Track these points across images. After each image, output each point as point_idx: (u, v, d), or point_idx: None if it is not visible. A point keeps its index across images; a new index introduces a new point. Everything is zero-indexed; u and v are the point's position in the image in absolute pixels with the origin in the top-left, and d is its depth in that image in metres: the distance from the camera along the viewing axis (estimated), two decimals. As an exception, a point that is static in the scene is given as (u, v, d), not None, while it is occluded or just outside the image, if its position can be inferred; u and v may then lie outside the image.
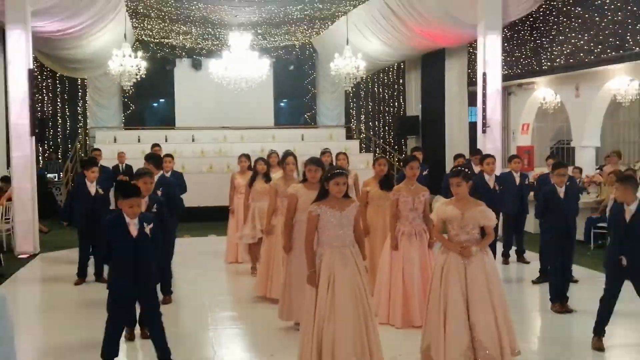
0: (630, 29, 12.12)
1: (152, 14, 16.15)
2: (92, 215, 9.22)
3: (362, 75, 16.95)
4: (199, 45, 19.59)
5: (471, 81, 16.23)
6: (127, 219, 5.51)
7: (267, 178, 9.28)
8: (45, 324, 8.11)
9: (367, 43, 16.76)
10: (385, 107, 21.67)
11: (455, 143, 16.82)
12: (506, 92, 16.34)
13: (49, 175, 17.48)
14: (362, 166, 15.60)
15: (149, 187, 6.74)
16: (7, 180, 12.89)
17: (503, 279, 9.35)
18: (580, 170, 12.54)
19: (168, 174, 9.53)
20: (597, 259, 9.84)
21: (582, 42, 13.54)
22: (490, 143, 13.28)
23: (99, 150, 13.40)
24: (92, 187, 9.42)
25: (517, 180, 10.05)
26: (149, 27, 17.67)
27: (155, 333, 5.79)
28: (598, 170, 13.50)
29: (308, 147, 16.29)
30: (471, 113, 16.84)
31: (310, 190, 6.72)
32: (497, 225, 7.19)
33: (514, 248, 10.64)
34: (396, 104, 21.39)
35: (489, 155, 10.16)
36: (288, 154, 8.39)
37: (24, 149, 11.80)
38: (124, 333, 6.41)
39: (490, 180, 9.45)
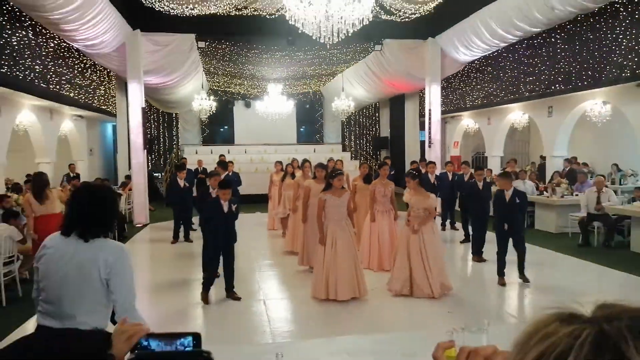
0: (522, 79, 12.05)
1: (219, 72, 16.16)
2: (182, 200, 9.29)
3: (352, 110, 16.94)
4: (249, 92, 19.61)
5: (421, 114, 16.16)
6: (222, 202, 5.58)
7: (292, 176, 9.29)
8: (153, 267, 8.16)
9: (355, 90, 16.75)
10: (366, 130, 21.61)
11: (411, 154, 16.74)
12: (444, 121, 16.27)
13: (155, 174, 17.58)
14: (352, 168, 15.55)
15: (218, 181, 6.76)
16: (129, 177, 12.96)
17: (442, 240, 9.38)
18: (491, 170, 12.48)
19: (230, 174, 9.56)
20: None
21: (491, 89, 13.47)
22: (433, 154, 13.21)
23: (185, 158, 13.46)
24: (182, 182, 9.47)
25: (450, 177, 10.01)
26: (217, 80, 17.68)
27: (228, 272, 5.84)
28: (502, 171, 13.43)
29: (318, 157, 16.22)
30: (421, 135, 16.78)
31: (318, 183, 6.76)
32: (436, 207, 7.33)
33: (448, 221, 10.61)
34: (373, 128, 21.33)
35: (431, 162, 10.24)
36: (305, 160, 8.39)
37: (139, 157, 11.86)
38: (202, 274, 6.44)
39: (432, 178, 9.41)
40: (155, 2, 9.94)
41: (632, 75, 8.82)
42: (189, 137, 20.18)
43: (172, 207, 9.86)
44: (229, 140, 20.69)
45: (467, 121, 16.44)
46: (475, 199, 7.85)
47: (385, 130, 20.33)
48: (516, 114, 13.78)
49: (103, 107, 13.98)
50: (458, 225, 10.18)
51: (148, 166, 14.87)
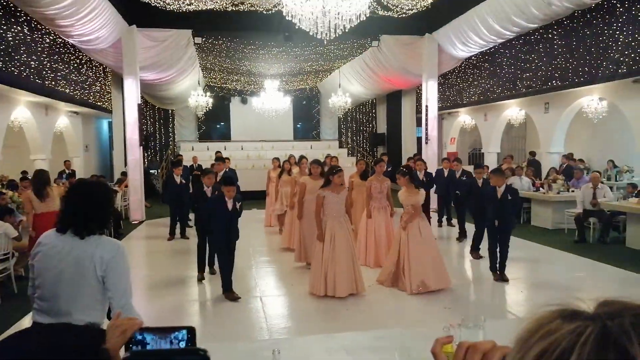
0: (519, 75, 12.05)
1: (216, 68, 16.11)
2: (178, 196, 9.25)
3: (349, 106, 16.90)
4: (246, 88, 19.55)
5: (418, 110, 16.17)
6: (226, 199, 5.54)
7: (289, 173, 9.28)
8: (149, 264, 8.14)
9: (352, 86, 16.72)
10: (363, 127, 21.58)
11: (408, 150, 16.78)
12: (440, 118, 16.28)
13: (151, 170, 17.53)
14: (349, 165, 15.56)
15: (212, 180, 6.67)
16: (125, 174, 12.92)
17: (438, 237, 9.38)
18: (487, 167, 12.48)
19: (227, 170, 9.54)
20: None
21: (488, 85, 13.47)
22: (430, 150, 13.23)
23: (181, 155, 13.42)
24: (178, 179, 9.43)
25: (446, 173, 9.88)
26: (214, 76, 17.62)
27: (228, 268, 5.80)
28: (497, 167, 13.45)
29: (315, 153, 16.21)
30: (418, 131, 16.78)
31: (314, 180, 6.78)
32: (429, 201, 7.64)
33: (445, 217, 10.62)
34: (370, 125, 21.30)
35: (419, 159, 10.16)
36: (302, 157, 8.38)
37: (135, 154, 11.80)
38: (197, 274, 6.43)
39: (420, 175, 9.25)
40: (151, -3, 9.88)
41: (629, 71, 8.83)
42: (185, 133, 20.12)
43: (168, 204, 9.84)
44: (225, 136, 20.62)
45: (463, 117, 16.45)
46: (475, 197, 7.83)
47: (382, 127, 20.33)
48: (513, 110, 13.79)
49: (99, 103, 13.91)
50: (454, 221, 10.19)
51: (144, 163, 14.84)
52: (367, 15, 6.74)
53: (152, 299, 5.93)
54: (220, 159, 9.72)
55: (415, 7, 10.61)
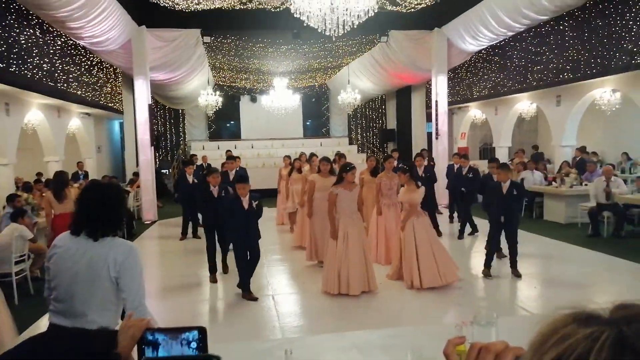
0: (530, 68, 11.92)
1: (225, 67, 16.15)
2: (190, 196, 9.25)
3: (358, 103, 16.83)
4: (255, 86, 19.58)
5: (428, 106, 16.08)
6: (241, 198, 5.53)
7: (300, 171, 9.28)
8: (162, 264, 8.21)
9: (361, 82, 16.66)
10: (373, 123, 21.49)
11: (418, 146, 16.68)
12: (450, 113, 16.17)
13: (162, 170, 17.65)
14: (360, 162, 15.53)
15: (217, 179, 6.56)
16: (137, 174, 13.03)
17: (449, 232, 9.31)
18: (498, 161, 12.38)
19: (238, 169, 9.55)
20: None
21: (498, 79, 13.34)
22: (440, 145, 13.15)
23: (195, 155, 13.44)
24: (190, 178, 9.46)
25: (456, 168, 9.61)
26: (223, 75, 17.68)
27: (254, 267, 5.82)
28: (510, 162, 13.35)
29: (325, 150, 16.24)
30: (428, 127, 16.69)
31: (323, 177, 6.78)
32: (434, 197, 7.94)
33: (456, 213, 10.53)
34: (380, 121, 21.21)
35: (418, 155, 9.98)
36: (313, 154, 8.38)
37: (146, 154, 11.89)
38: (210, 276, 6.45)
39: (420, 171, 8.98)
40: (159, -2, 9.94)
41: (642, 62, 8.69)
42: (195, 132, 20.20)
43: (180, 203, 9.89)
44: (235, 135, 20.67)
45: (474, 112, 16.32)
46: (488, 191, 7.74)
47: (392, 123, 20.24)
48: (524, 104, 13.65)
49: (110, 104, 14.03)
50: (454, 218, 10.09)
51: (155, 163, 14.95)
52: (375, 11, 6.70)
53: (165, 299, 5.98)
54: (231, 157, 9.76)
55: (423, 2, 10.55)
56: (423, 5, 10.70)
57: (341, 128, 21.57)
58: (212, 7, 10.51)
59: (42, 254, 6.13)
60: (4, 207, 7.33)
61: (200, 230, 9.60)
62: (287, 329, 4.82)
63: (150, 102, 11.92)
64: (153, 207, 12.06)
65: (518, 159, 12.42)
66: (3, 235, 5.98)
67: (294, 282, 6.54)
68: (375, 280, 5.70)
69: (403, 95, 17.99)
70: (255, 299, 5.66)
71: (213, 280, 6.48)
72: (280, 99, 15.71)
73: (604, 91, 10.79)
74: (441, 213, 11.07)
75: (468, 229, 8.92)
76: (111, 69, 13.85)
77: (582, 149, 12.26)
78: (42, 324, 4.68)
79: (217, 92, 16.35)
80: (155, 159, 13.91)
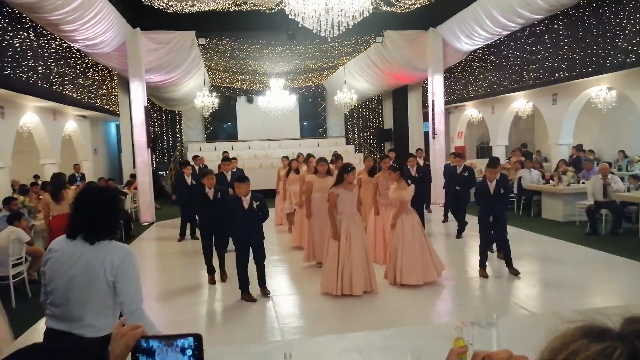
0: (526, 67, 11.94)
1: (221, 68, 16.12)
2: (188, 197, 9.21)
3: (355, 103, 16.84)
4: (251, 87, 19.54)
5: (424, 105, 16.05)
6: (242, 198, 5.50)
7: (297, 171, 9.27)
8: (160, 266, 8.19)
9: (358, 83, 16.66)
10: (370, 123, 21.48)
11: (415, 145, 16.64)
12: (447, 112, 16.19)
13: (160, 172, 17.60)
14: (357, 162, 15.50)
15: (212, 182, 6.44)
16: (134, 176, 12.99)
17: (445, 233, 9.31)
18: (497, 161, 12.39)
19: (235, 170, 9.53)
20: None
21: (494, 78, 13.36)
22: (437, 145, 13.15)
23: (198, 156, 12.87)
24: (189, 179, 9.41)
25: (451, 168, 9.60)
26: (219, 76, 17.64)
27: (260, 269, 5.79)
28: (507, 160, 13.38)
29: (322, 150, 16.21)
30: (425, 126, 16.69)
31: (320, 178, 6.78)
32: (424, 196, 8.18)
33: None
34: (377, 121, 21.20)
35: (411, 155, 9.93)
36: (310, 155, 8.36)
37: (143, 156, 11.86)
38: (208, 277, 6.43)
39: (413, 171, 9.12)
40: (154, 0, 9.90)
41: (638, 60, 8.70)
42: (192, 134, 20.15)
43: (178, 204, 9.86)
44: (232, 136, 20.64)
45: (470, 111, 16.34)
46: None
47: (388, 122, 20.24)
48: (520, 103, 13.68)
49: (106, 106, 13.98)
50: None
51: (152, 164, 14.91)
52: (370, 12, 6.69)
53: (163, 301, 5.95)
54: (227, 158, 9.71)
55: (418, 2, 10.55)
56: (418, 6, 10.71)
57: (338, 128, 21.56)
58: (206, 9, 10.48)
59: (40, 257, 6.09)
60: (0, 210, 7.29)
61: (199, 232, 9.59)
62: (287, 330, 4.80)
63: (146, 104, 11.89)
64: (151, 208, 12.03)
65: (515, 158, 12.45)
66: (0, 239, 5.95)
67: (292, 283, 6.53)
68: (376, 280, 5.71)
69: (399, 95, 18.00)
70: (254, 300, 5.64)
71: (211, 281, 6.47)
72: (276, 99, 15.69)
73: (600, 89, 10.82)
74: (430, 212, 11.13)
75: (468, 229, 8.91)
76: (107, 71, 13.80)
77: (578, 147, 12.29)
78: (40, 327, 4.64)
79: (214, 94, 16.31)
80: (152, 160, 13.88)
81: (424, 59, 13.07)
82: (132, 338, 1.27)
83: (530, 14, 9.69)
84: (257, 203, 5.53)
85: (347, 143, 20.43)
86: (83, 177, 12.82)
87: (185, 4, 10.25)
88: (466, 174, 9.00)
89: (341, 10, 6.41)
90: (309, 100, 21.18)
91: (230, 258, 6.53)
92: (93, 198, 2.42)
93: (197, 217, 9.67)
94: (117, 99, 14.74)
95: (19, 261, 6.07)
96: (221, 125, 21.20)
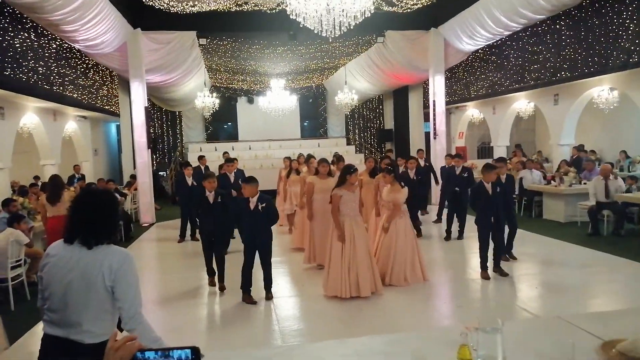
0: (527, 67, 11.90)
1: (221, 68, 16.10)
2: (189, 198, 9.17)
3: (355, 103, 16.78)
4: (252, 88, 19.52)
5: (425, 105, 16.02)
6: (249, 198, 5.49)
7: (297, 172, 9.23)
8: (160, 267, 8.16)
9: (358, 83, 16.63)
10: (370, 123, 21.45)
11: (416, 146, 16.63)
12: (448, 112, 16.15)
13: (160, 173, 17.57)
14: (358, 162, 15.47)
15: (213, 185, 6.30)
16: (134, 177, 12.96)
17: (438, 234, 9.26)
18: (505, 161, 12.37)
19: (235, 171, 9.46)
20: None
21: (496, 78, 13.32)
22: (439, 145, 13.12)
23: (203, 156, 12.62)
24: (189, 180, 9.36)
25: (448, 168, 9.48)
26: (220, 77, 17.62)
27: (265, 272, 5.77)
28: (509, 160, 13.32)
29: (323, 151, 16.18)
30: (426, 126, 16.67)
31: (321, 179, 6.75)
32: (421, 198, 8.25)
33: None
34: (377, 121, 21.18)
35: (411, 157, 9.86)
36: (310, 155, 8.33)
37: (143, 156, 11.83)
38: (208, 279, 6.39)
39: (411, 174, 9.05)
40: (155, 0, 9.88)
41: (640, 60, 8.67)
42: (192, 134, 20.13)
43: (179, 205, 9.81)
44: (233, 136, 20.61)
45: (472, 111, 16.31)
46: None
47: (389, 123, 20.22)
48: (521, 103, 13.64)
49: (106, 107, 13.96)
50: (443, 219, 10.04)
51: (153, 165, 14.88)
52: (372, 12, 6.66)
53: (163, 302, 5.92)
54: (229, 159, 9.67)
55: (420, 2, 10.51)
56: (419, 6, 10.67)
57: (339, 129, 21.53)
58: (207, 9, 10.46)
59: (39, 259, 6.07)
60: (-1, 212, 7.26)
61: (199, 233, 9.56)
62: (287, 333, 4.77)
63: (146, 105, 11.86)
64: (151, 209, 12.00)
65: (517, 158, 12.42)
66: (-2, 241, 5.92)
67: (293, 285, 6.49)
68: (380, 281, 5.70)
69: (400, 95, 17.97)
70: (254, 303, 5.61)
71: (211, 283, 6.42)
72: (277, 100, 15.66)
73: (602, 89, 10.78)
74: (427, 212, 11.12)
75: (468, 229, 8.87)
76: (107, 72, 13.78)
77: (579, 148, 12.25)
78: (39, 330, 4.61)
79: (214, 94, 16.29)
80: (152, 161, 13.86)
81: (425, 59, 13.04)
82: (127, 352, 1.24)
83: (532, 14, 9.65)
84: (263, 205, 5.49)
85: (348, 143, 20.41)
86: (82, 177, 12.80)
87: (186, 4, 10.22)
88: (465, 175, 8.94)
89: (342, 10, 6.38)
90: (310, 101, 21.15)
91: (232, 261, 6.50)
92: (92, 199, 2.40)
93: (197, 219, 9.68)
94: (118, 100, 14.72)
95: (17, 263, 6.04)
96: (222, 125, 21.17)
